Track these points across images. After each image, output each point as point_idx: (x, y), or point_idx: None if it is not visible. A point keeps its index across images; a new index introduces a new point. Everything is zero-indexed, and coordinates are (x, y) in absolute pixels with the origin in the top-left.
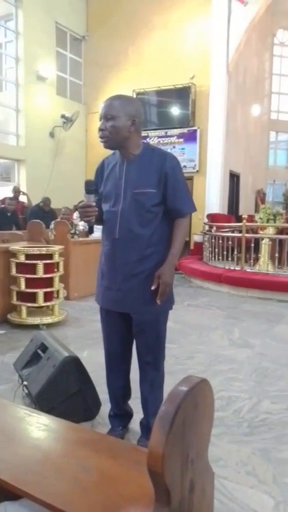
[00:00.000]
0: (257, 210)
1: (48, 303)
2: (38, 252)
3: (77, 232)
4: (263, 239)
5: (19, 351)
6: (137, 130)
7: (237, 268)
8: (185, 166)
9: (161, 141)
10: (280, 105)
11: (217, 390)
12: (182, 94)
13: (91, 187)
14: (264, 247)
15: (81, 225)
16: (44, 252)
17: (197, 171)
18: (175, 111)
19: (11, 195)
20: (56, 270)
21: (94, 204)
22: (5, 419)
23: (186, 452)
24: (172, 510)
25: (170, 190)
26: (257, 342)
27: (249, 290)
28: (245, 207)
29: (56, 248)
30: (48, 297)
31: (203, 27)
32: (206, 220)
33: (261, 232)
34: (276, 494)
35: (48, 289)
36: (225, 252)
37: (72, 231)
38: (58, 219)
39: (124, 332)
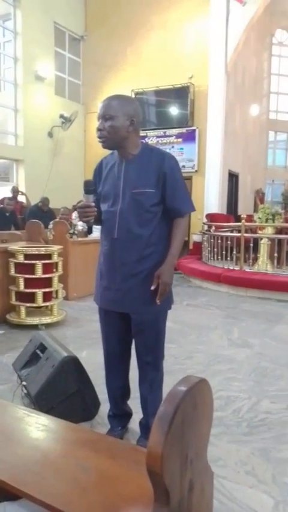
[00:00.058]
0: (256, 210)
1: (47, 303)
2: (36, 252)
3: (75, 232)
4: (261, 239)
5: (18, 351)
6: (136, 130)
7: (236, 268)
8: (183, 166)
9: (160, 141)
10: (279, 105)
11: (216, 390)
12: (181, 94)
13: (90, 188)
14: (263, 247)
15: (80, 225)
16: (42, 252)
17: (196, 171)
18: (174, 111)
19: (9, 195)
20: (54, 270)
21: (93, 204)
22: (4, 420)
23: (185, 452)
24: (171, 510)
25: (168, 190)
26: (256, 342)
27: (248, 290)
28: (244, 207)
29: (55, 248)
30: (47, 297)
31: (202, 27)
32: (205, 220)
33: (260, 232)
34: (276, 494)
35: (47, 289)
36: (224, 252)
37: (71, 231)
38: (57, 219)
39: (123, 332)
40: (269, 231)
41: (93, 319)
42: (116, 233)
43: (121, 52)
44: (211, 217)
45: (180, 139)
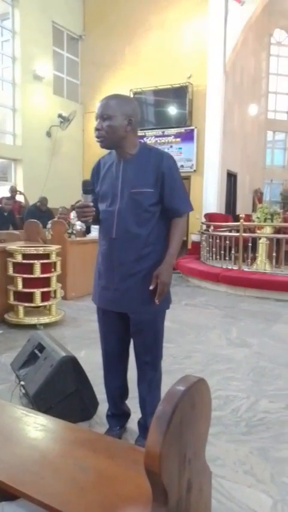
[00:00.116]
0: (254, 210)
1: (46, 303)
2: (35, 252)
3: (74, 232)
4: (260, 238)
5: (16, 351)
6: (134, 129)
7: (235, 267)
8: (182, 166)
9: (158, 141)
10: (277, 105)
11: (215, 389)
12: (179, 94)
13: (88, 187)
14: (262, 246)
15: (79, 225)
16: (41, 252)
17: (194, 170)
18: (172, 110)
19: (7, 194)
20: (53, 269)
21: (92, 204)
22: (2, 420)
23: (183, 451)
24: (169, 510)
25: (167, 189)
26: (255, 341)
27: (247, 289)
28: (243, 207)
29: (53, 248)
30: (45, 296)
31: (200, 26)
32: (203, 219)
33: (258, 231)
34: (274, 493)
35: (45, 289)
36: (222, 252)
37: (70, 231)
38: (55, 219)
39: (121, 332)
40: (268, 230)
41: (91, 319)
42: (114, 233)
43: (119, 52)
44: (210, 217)
45: (178, 139)
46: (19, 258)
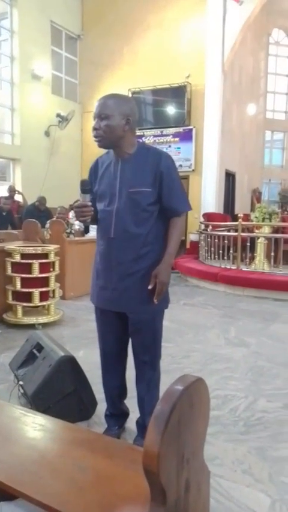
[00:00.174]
0: (252, 209)
1: (44, 303)
2: (33, 252)
3: (72, 231)
4: (258, 238)
5: (15, 350)
6: (132, 129)
7: (233, 267)
8: (180, 166)
9: (157, 140)
10: (275, 105)
11: (213, 389)
12: (178, 93)
13: (87, 187)
14: (260, 246)
15: (77, 225)
16: (39, 252)
17: (193, 170)
18: (171, 110)
19: (6, 194)
20: (51, 269)
21: (90, 203)
22: (0, 420)
23: (181, 451)
24: (168, 509)
25: (165, 189)
26: (253, 341)
27: (245, 289)
28: (241, 206)
29: (52, 247)
30: (43, 296)
31: (198, 26)
32: (202, 219)
33: (256, 231)
34: (273, 493)
35: (43, 289)
36: (221, 251)
37: (68, 231)
38: (54, 219)
39: (120, 332)
40: (266, 230)
41: (90, 318)
42: (112, 232)
43: (118, 51)
44: (208, 216)
45: (177, 139)
46: (17, 258)
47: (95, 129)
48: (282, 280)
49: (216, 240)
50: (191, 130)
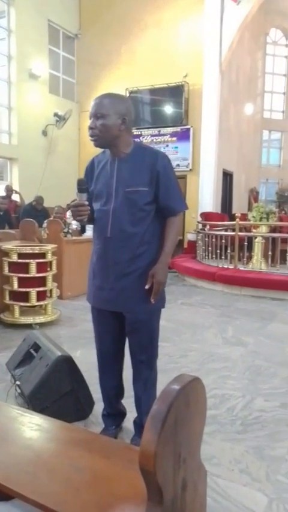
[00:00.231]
0: (250, 209)
1: (41, 302)
2: (30, 251)
3: (70, 231)
4: (256, 237)
5: (12, 350)
6: (128, 128)
7: (231, 266)
8: (178, 165)
9: (154, 140)
10: (273, 104)
11: (210, 388)
12: (175, 92)
13: (83, 186)
14: (258, 245)
15: (74, 224)
16: (36, 251)
17: (190, 169)
18: (168, 109)
19: (3, 193)
20: (49, 269)
21: (87, 203)
22: None
23: (178, 451)
24: (164, 509)
25: (162, 188)
26: (251, 340)
27: (243, 288)
28: (238, 206)
29: (49, 247)
30: (41, 296)
31: (196, 25)
32: (199, 218)
33: (254, 230)
34: (270, 492)
35: (41, 289)
36: (218, 251)
37: (65, 230)
38: (51, 218)
39: (116, 331)
40: (263, 229)
41: (87, 318)
42: (109, 232)
43: (115, 50)
44: (205, 216)
45: (174, 138)
46: (15, 258)
47: (90, 128)
48: (279, 279)
49: (213, 240)
50: (188, 129)
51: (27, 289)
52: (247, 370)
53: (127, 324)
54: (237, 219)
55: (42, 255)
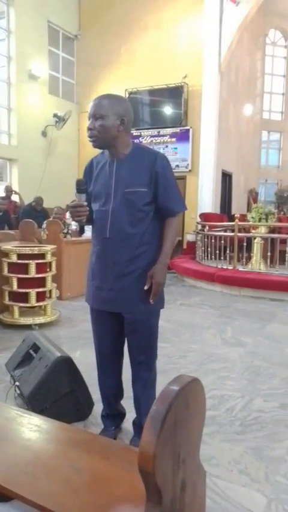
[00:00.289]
0: (249, 210)
1: (41, 303)
2: (30, 252)
3: (69, 231)
4: (255, 238)
5: (11, 351)
6: (126, 129)
7: (230, 267)
8: (177, 166)
9: (154, 141)
10: (272, 105)
11: (209, 389)
12: (175, 93)
13: (82, 187)
14: (257, 246)
15: (74, 225)
16: (36, 252)
17: (190, 170)
18: (168, 110)
19: (3, 194)
20: (48, 269)
21: (86, 203)
22: None
23: (177, 451)
24: (164, 509)
25: (161, 189)
26: (250, 341)
27: (242, 289)
28: (238, 207)
29: (49, 248)
30: (40, 297)
31: (195, 26)
32: (198, 219)
33: (253, 231)
34: (269, 493)
35: (40, 289)
36: (217, 251)
37: (65, 231)
38: (50, 219)
39: (115, 332)
40: (262, 230)
41: (86, 319)
42: (108, 232)
43: (115, 51)
44: (205, 216)
45: (174, 139)
46: (14, 258)
47: (89, 129)
48: (278, 280)
49: (212, 240)
50: (187, 130)
51: (27, 290)
52: (246, 370)
53: (126, 324)
54: (237, 220)
55: (42, 256)
